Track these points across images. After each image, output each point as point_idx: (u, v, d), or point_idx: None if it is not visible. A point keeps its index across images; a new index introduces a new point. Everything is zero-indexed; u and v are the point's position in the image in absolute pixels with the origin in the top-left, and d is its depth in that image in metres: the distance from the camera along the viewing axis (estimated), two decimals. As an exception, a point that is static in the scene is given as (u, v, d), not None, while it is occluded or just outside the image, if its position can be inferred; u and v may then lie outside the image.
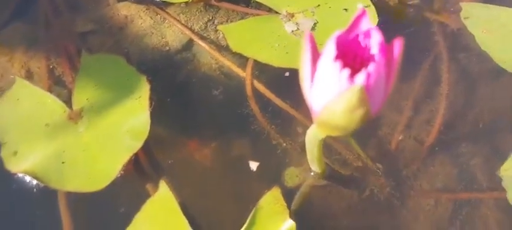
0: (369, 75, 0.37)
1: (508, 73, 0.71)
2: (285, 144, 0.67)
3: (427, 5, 0.79)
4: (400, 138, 0.69)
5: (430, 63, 0.74)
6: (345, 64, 0.39)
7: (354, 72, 0.39)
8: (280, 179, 0.65)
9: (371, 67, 0.37)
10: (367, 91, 0.37)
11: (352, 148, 0.67)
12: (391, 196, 0.65)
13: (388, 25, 0.75)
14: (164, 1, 0.75)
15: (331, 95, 0.38)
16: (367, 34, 0.39)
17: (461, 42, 0.75)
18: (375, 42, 0.39)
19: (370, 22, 0.39)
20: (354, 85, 0.36)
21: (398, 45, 0.39)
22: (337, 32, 0.39)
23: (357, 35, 0.40)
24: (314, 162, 0.52)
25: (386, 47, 0.39)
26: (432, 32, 0.76)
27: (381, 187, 0.65)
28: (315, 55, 0.40)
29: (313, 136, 0.46)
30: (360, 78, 0.37)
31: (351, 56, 0.40)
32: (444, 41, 0.75)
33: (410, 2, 0.79)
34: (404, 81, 0.73)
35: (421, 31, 0.77)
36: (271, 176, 0.65)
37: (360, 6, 0.40)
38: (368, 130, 0.69)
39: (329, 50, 0.38)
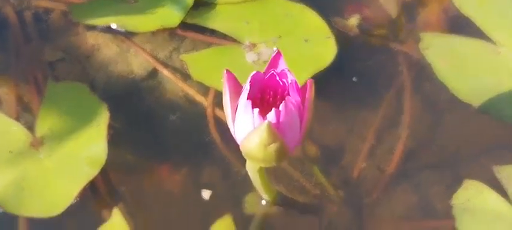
0: (279, 113, 0.39)
1: (463, 103, 0.72)
2: (245, 171, 0.68)
3: (392, 34, 0.80)
4: (362, 165, 0.70)
5: (393, 93, 0.75)
6: (263, 101, 0.41)
7: (274, 108, 0.41)
8: (240, 205, 0.66)
9: (281, 106, 0.39)
10: (278, 128, 0.39)
11: (312, 175, 0.69)
12: (351, 225, 0.66)
13: (350, 55, 0.77)
14: (130, 31, 0.77)
15: (247, 131, 0.40)
16: (283, 74, 0.41)
17: (424, 72, 0.76)
18: (288, 82, 0.41)
19: (284, 63, 0.41)
20: (263, 122, 0.38)
21: (310, 85, 0.41)
22: (254, 72, 0.41)
23: (274, 75, 0.42)
24: (262, 190, 0.54)
25: (299, 87, 0.41)
26: (396, 62, 0.77)
27: (340, 215, 0.67)
28: (237, 92, 0.42)
29: (250, 166, 0.48)
30: (270, 115, 0.39)
31: (271, 92, 0.42)
32: (408, 71, 0.76)
33: (375, 33, 0.80)
34: (368, 110, 0.74)
35: (384, 61, 0.78)
36: (230, 203, 0.66)
37: (274, 48, 0.42)
38: (331, 157, 0.71)
39: (245, 88, 0.40)
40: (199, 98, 0.73)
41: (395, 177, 0.69)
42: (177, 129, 0.71)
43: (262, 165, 0.42)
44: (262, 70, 0.71)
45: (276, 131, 0.39)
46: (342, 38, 0.77)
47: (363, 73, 0.76)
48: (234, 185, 0.68)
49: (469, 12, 0.80)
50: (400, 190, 0.69)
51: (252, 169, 0.49)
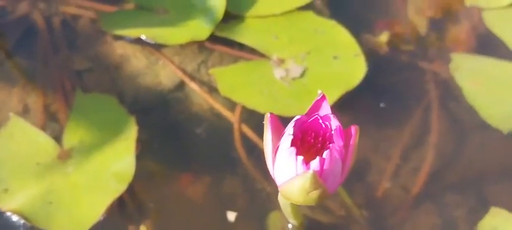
0: (323, 161, 0.39)
1: (492, 127, 0.72)
2: (269, 189, 0.68)
3: (421, 52, 0.79)
4: (387, 185, 0.70)
5: (421, 112, 0.75)
6: (304, 142, 0.41)
7: (315, 151, 0.41)
8: (263, 224, 0.66)
9: (326, 154, 0.39)
10: (321, 175, 0.39)
11: (336, 195, 0.68)
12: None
13: (379, 73, 0.76)
14: (159, 43, 0.77)
15: (288, 175, 0.40)
16: (326, 118, 0.41)
17: (453, 92, 0.76)
18: (332, 127, 0.40)
19: (328, 106, 0.41)
20: (307, 171, 0.38)
21: (355, 130, 0.41)
22: (297, 117, 0.40)
23: (317, 118, 0.41)
24: (290, 217, 0.54)
25: (343, 131, 0.41)
26: (424, 81, 0.77)
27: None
28: (279, 131, 0.42)
29: (282, 200, 0.48)
30: (314, 164, 0.39)
31: (313, 134, 0.42)
32: (435, 90, 0.76)
33: (404, 48, 0.80)
34: (394, 128, 0.74)
35: (413, 79, 0.78)
36: (254, 222, 0.66)
37: (319, 92, 0.41)
38: (355, 176, 0.70)
39: (288, 132, 0.40)
40: (226, 113, 0.73)
41: (420, 198, 0.69)
42: (203, 142, 0.71)
43: (300, 204, 0.42)
44: (289, 86, 0.72)
45: (319, 179, 0.39)
46: (371, 55, 0.77)
47: (390, 91, 0.76)
48: (258, 203, 0.67)
49: (500, 32, 0.79)
50: (425, 211, 0.69)
51: (284, 202, 0.49)
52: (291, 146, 0.39)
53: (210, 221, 0.67)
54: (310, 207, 0.67)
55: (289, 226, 0.65)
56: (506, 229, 0.66)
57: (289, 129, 0.40)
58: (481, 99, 0.73)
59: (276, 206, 0.67)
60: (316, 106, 0.41)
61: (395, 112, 0.75)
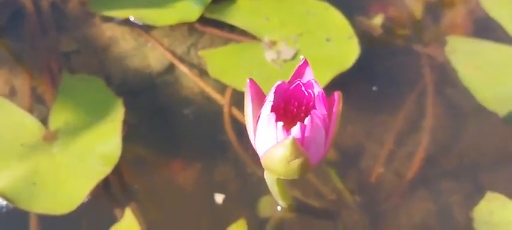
0: (304, 128, 0.37)
1: (489, 111, 0.70)
2: (260, 173, 0.67)
3: (416, 36, 0.78)
4: (380, 170, 0.68)
5: (415, 97, 0.73)
6: (287, 112, 0.39)
7: (298, 120, 0.40)
8: (254, 209, 0.65)
9: (307, 120, 0.37)
10: (303, 143, 0.37)
11: (328, 179, 0.67)
12: (366, 232, 0.65)
13: (372, 56, 0.75)
14: (148, 24, 0.75)
15: (269, 144, 0.38)
16: (309, 85, 0.39)
17: (448, 76, 0.74)
18: (314, 93, 0.39)
19: (311, 73, 0.40)
20: (287, 138, 0.37)
21: (338, 96, 0.39)
22: (278, 82, 0.39)
23: (299, 85, 0.40)
24: (278, 197, 0.53)
25: (326, 99, 0.39)
26: (419, 64, 0.75)
27: (356, 221, 0.65)
28: (260, 100, 0.40)
29: (268, 176, 0.47)
30: (295, 130, 0.37)
31: (295, 103, 0.40)
32: (431, 74, 0.74)
33: (398, 32, 0.78)
34: (388, 113, 0.72)
35: (407, 63, 0.76)
36: (244, 206, 0.65)
37: (301, 57, 0.40)
38: (349, 161, 0.69)
39: (269, 99, 0.38)
40: (216, 96, 0.71)
41: (414, 184, 0.68)
42: (192, 126, 0.70)
43: (283, 178, 0.41)
44: (281, 69, 0.71)
45: (300, 146, 0.37)
46: (365, 38, 0.75)
47: (384, 74, 0.74)
48: (248, 187, 0.66)
49: (497, 15, 0.78)
50: (419, 197, 0.67)
51: (270, 179, 0.47)
52: (271, 112, 0.37)
53: (199, 204, 0.65)
54: (300, 190, 0.65)
55: (279, 208, 0.64)
56: (502, 213, 0.64)
57: (270, 96, 0.38)
58: (477, 83, 0.72)
59: (267, 190, 0.65)
60: (299, 72, 0.40)
61: (390, 96, 0.73)
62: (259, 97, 0.40)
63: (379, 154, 0.69)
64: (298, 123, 0.37)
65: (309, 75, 0.40)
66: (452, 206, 0.67)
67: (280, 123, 0.37)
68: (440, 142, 0.70)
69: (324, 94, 0.39)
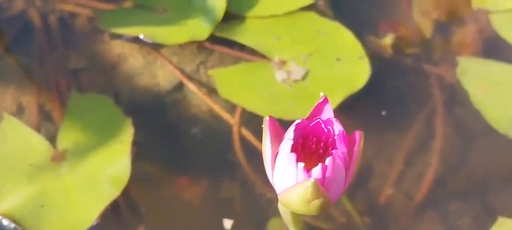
0: (325, 169, 0.37)
1: (498, 132, 0.70)
2: (269, 194, 0.66)
3: (426, 55, 0.78)
4: (390, 192, 0.68)
5: (425, 116, 0.73)
6: (305, 148, 0.39)
7: (317, 157, 0.39)
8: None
9: (328, 161, 0.37)
10: (323, 183, 0.37)
11: (338, 201, 0.67)
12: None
13: (383, 76, 0.75)
14: (158, 43, 0.75)
15: (288, 183, 0.38)
16: (329, 122, 0.39)
17: (458, 96, 0.74)
18: (334, 132, 0.38)
19: (331, 110, 0.39)
20: (308, 179, 0.36)
21: (359, 136, 0.39)
22: (298, 121, 0.39)
23: (319, 122, 0.39)
24: (290, 225, 0.52)
25: (346, 137, 0.39)
26: (429, 84, 0.75)
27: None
28: (279, 136, 0.40)
29: (282, 208, 0.46)
30: (316, 171, 0.37)
31: (314, 139, 0.40)
32: (440, 94, 0.74)
33: (408, 51, 0.78)
34: (397, 133, 0.72)
35: (417, 82, 0.76)
36: (253, 228, 0.65)
37: (322, 94, 0.40)
38: (358, 181, 0.69)
39: (288, 137, 0.38)
40: (225, 115, 0.71)
41: (423, 205, 0.67)
42: (201, 145, 0.69)
43: (300, 213, 0.40)
44: (291, 89, 0.70)
45: (321, 187, 0.37)
46: (375, 58, 0.75)
47: (394, 94, 0.74)
48: (257, 208, 0.66)
49: (507, 35, 0.78)
50: (428, 219, 0.67)
51: (284, 210, 0.47)
52: (291, 152, 0.37)
53: (207, 227, 0.65)
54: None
55: (289, 233, 0.63)
56: (513, 239, 0.64)
57: (290, 134, 0.38)
58: (487, 103, 0.72)
59: (276, 212, 0.65)
60: (318, 109, 0.39)
61: (399, 116, 0.73)
62: (277, 133, 0.40)
63: (388, 174, 0.69)
64: (320, 164, 0.36)
65: (328, 113, 0.39)
66: (461, 228, 0.67)
67: (301, 164, 0.36)
68: (449, 163, 0.70)
69: (345, 134, 0.38)
